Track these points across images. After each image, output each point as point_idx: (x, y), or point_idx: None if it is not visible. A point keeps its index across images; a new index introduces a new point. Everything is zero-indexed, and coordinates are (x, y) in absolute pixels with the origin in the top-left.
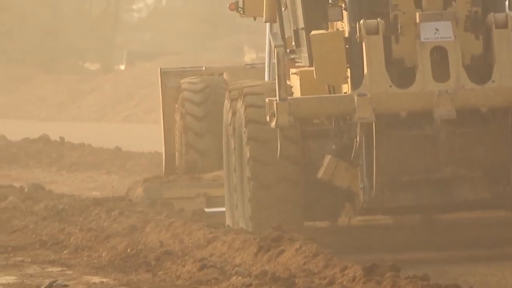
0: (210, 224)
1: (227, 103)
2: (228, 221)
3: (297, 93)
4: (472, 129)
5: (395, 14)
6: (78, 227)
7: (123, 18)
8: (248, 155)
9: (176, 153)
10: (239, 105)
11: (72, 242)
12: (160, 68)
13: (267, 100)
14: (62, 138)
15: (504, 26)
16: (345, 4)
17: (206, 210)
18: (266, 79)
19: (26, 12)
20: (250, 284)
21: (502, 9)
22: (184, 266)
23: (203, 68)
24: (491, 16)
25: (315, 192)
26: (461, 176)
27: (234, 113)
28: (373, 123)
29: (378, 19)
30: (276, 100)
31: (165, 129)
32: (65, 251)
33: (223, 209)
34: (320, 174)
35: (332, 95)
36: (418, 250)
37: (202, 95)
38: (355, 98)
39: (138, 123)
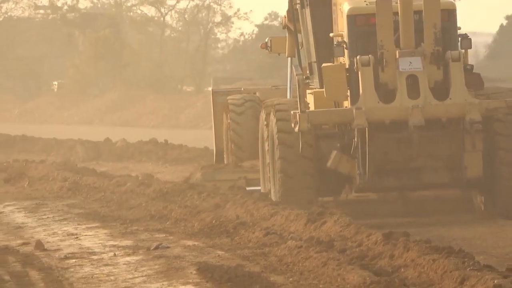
0: (272, 202)
1: (262, 114)
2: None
3: (312, 107)
4: (435, 133)
5: (381, 52)
6: (177, 205)
7: (211, 54)
8: (278, 155)
9: (224, 148)
10: (272, 118)
11: (172, 215)
12: (212, 89)
13: (292, 112)
14: (166, 141)
15: (458, 60)
16: (346, 45)
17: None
18: (288, 97)
19: (141, 50)
20: (301, 246)
21: (456, 48)
22: (253, 233)
23: (242, 89)
24: (448, 53)
25: (325, 176)
26: (428, 166)
27: (267, 124)
28: (366, 128)
29: (369, 55)
30: (298, 112)
31: (215, 131)
32: (167, 222)
33: (259, 187)
34: (328, 164)
35: (337, 108)
36: (398, 217)
37: (242, 108)
38: (354, 111)
39: None
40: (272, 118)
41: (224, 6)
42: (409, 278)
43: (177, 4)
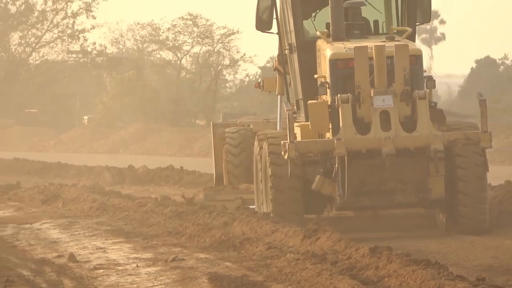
0: (273, 221)
1: (256, 143)
2: (257, 212)
3: (299, 138)
4: (404, 160)
5: (358, 91)
6: (191, 222)
7: (220, 92)
8: (270, 173)
9: (223, 173)
10: (264, 147)
11: (187, 232)
12: (212, 122)
13: (282, 142)
14: (181, 167)
15: (424, 98)
16: (328, 85)
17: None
18: (278, 129)
19: (160, 89)
20: (298, 259)
21: (422, 88)
22: (257, 247)
23: (238, 121)
24: (415, 92)
25: (310, 196)
26: (398, 188)
27: (261, 148)
28: (345, 156)
29: (348, 94)
30: (288, 142)
31: (215, 158)
32: (182, 238)
33: (253, 206)
34: (313, 186)
35: (320, 139)
36: (374, 232)
37: (237, 140)
38: (335, 141)
39: None
40: (265, 147)
41: (232, 51)
42: (392, 286)
43: (192, 50)
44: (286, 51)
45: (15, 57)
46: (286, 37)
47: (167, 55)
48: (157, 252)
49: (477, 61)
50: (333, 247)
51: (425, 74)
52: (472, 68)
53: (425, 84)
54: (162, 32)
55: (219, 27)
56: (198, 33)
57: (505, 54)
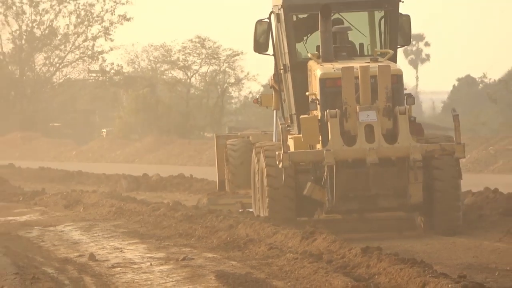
0: (275, 223)
1: (254, 154)
2: (255, 214)
3: (292, 149)
4: (387, 169)
5: (345, 107)
6: (200, 225)
7: (226, 108)
8: (266, 183)
9: (225, 180)
10: (261, 155)
11: (196, 234)
12: (215, 134)
13: (277, 152)
14: (191, 175)
15: (404, 113)
16: (318, 101)
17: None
18: (274, 140)
19: (171, 105)
20: (297, 258)
21: (403, 104)
22: (259, 247)
23: (238, 134)
24: (397, 108)
25: (302, 201)
26: (381, 194)
27: (258, 160)
28: (334, 165)
29: (336, 109)
30: (282, 152)
31: (218, 166)
32: (192, 239)
33: (251, 209)
34: (305, 192)
35: (311, 150)
36: (359, 233)
37: (238, 151)
38: (324, 152)
39: None
40: (262, 157)
41: (237, 71)
42: (381, 283)
43: (200, 69)
44: (281, 71)
45: (40, 76)
46: (280, 58)
47: (178, 74)
48: (169, 252)
49: (458, 79)
50: (328, 248)
51: (405, 91)
52: (454, 86)
53: (405, 100)
54: (174, 53)
55: (225, 49)
56: (206, 54)
57: (484, 73)
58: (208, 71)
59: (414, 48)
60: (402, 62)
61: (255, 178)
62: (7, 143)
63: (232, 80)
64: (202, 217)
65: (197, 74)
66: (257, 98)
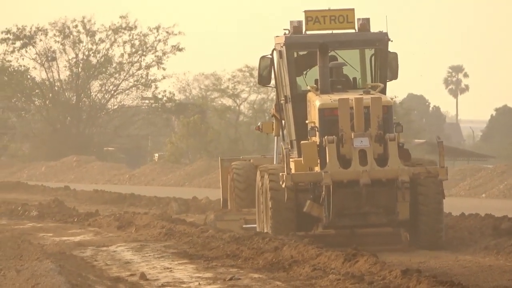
0: (318, 246)
1: (258, 176)
2: (258, 229)
3: (293, 170)
4: (378, 189)
5: (341, 134)
6: (247, 247)
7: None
8: (270, 203)
9: (228, 199)
10: (265, 177)
11: (243, 255)
12: (220, 157)
13: (280, 174)
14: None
15: (393, 140)
16: (317, 129)
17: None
18: (274, 163)
19: (221, 131)
20: (340, 279)
21: (392, 131)
22: (303, 268)
23: (241, 157)
24: (387, 135)
25: (302, 217)
26: (372, 211)
27: (262, 181)
28: (331, 185)
29: (333, 136)
30: (285, 173)
31: (222, 187)
32: (239, 260)
33: (255, 225)
34: (304, 209)
35: (310, 172)
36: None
37: (242, 173)
38: (322, 173)
39: None
40: (266, 177)
41: None
42: None
43: (249, 97)
44: (282, 101)
45: (96, 102)
46: (282, 90)
47: (227, 101)
48: (217, 272)
49: (496, 109)
50: (370, 269)
51: (394, 121)
52: (492, 115)
53: (394, 128)
54: (223, 82)
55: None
56: (254, 83)
57: None
58: (257, 99)
59: (454, 79)
60: (442, 93)
61: (260, 196)
62: (63, 166)
63: None
64: (249, 239)
65: (245, 102)
66: (258, 126)
